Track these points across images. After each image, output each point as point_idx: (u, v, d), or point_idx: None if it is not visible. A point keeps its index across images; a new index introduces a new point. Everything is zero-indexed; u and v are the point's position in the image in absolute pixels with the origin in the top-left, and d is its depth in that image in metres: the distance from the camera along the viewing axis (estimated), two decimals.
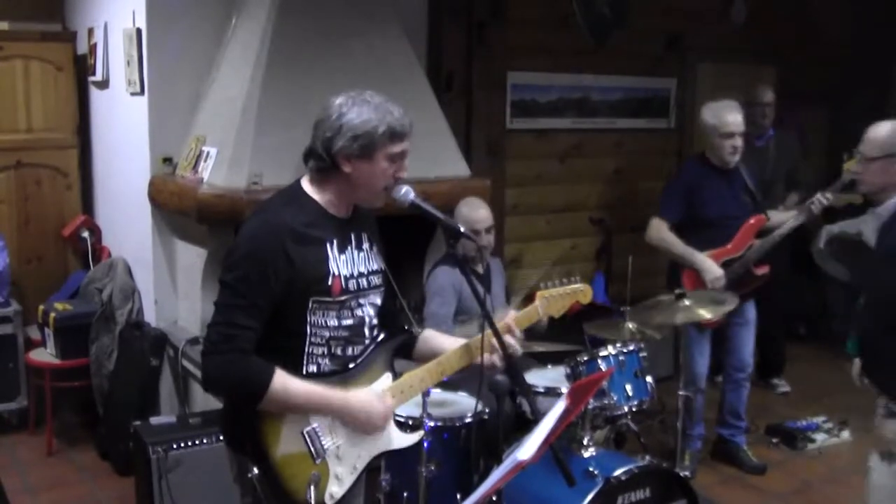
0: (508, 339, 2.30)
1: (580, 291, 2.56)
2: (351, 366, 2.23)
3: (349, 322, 2.21)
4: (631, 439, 3.55)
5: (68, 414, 4.80)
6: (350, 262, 2.21)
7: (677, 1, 5.91)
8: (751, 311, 4.27)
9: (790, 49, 6.39)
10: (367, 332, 2.27)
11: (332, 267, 2.16)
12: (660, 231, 4.17)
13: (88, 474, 4.27)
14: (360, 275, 2.23)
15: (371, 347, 2.27)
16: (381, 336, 2.31)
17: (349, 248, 2.23)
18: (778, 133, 5.28)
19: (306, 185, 2.23)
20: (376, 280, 2.29)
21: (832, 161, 6.50)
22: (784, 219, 4.16)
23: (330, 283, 2.14)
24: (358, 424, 2.19)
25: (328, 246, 2.17)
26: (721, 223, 4.10)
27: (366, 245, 2.29)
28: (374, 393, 2.23)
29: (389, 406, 2.24)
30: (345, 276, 2.18)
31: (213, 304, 2.14)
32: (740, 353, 4.29)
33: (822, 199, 4.03)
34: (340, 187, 2.19)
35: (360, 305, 2.24)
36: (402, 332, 2.41)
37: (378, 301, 2.31)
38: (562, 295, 2.52)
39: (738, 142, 4.03)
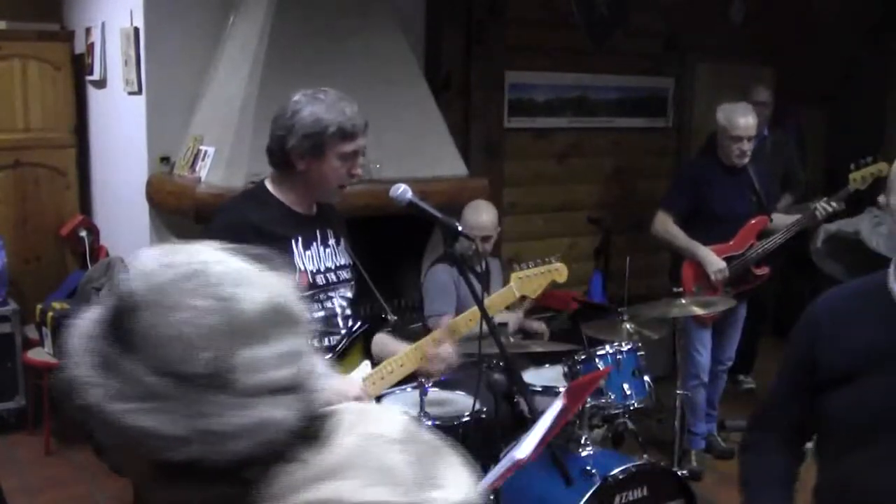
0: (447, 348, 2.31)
1: (555, 270, 2.56)
2: (328, 357, 2.25)
3: (320, 314, 2.24)
4: (629, 438, 3.56)
5: (67, 413, 4.79)
6: (316, 258, 2.24)
7: (676, 1, 5.91)
8: (742, 310, 4.32)
9: (789, 49, 6.38)
10: (340, 322, 2.30)
11: (298, 263, 2.19)
12: (665, 224, 4.22)
13: (87, 473, 4.27)
14: (328, 269, 2.26)
15: (347, 337, 2.30)
16: (357, 325, 2.33)
17: (314, 244, 2.26)
18: (773, 133, 5.29)
19: (269, 185, 2.26)
20: (345, 274, 2.32)
21: (831, 161, 6.51)
22: (787, 222, 4.19)
23: (297, 278, 2.17)
24: None
25: (293, 243, 2.20)
26: (727, 221, 4.14)
27: (332, 241, 2.31)
28: (351, 381, 2.24)
29: (366, 394, 2.25)
30: (311, 272, 2.21)
31: None
32: (727, 349, 4.37)
33: (826, 206, 4.03)
34: (298, 185, 2.22)
35: (329, 298, 2.27)
36: (378, 321, 2.43)
37: (349, 294, 2.34)
38: (536, 274, 2.53)
39: (746, 146, 4.06)
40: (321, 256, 2.26)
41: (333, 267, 2.28)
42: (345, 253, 2.35)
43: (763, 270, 4.19)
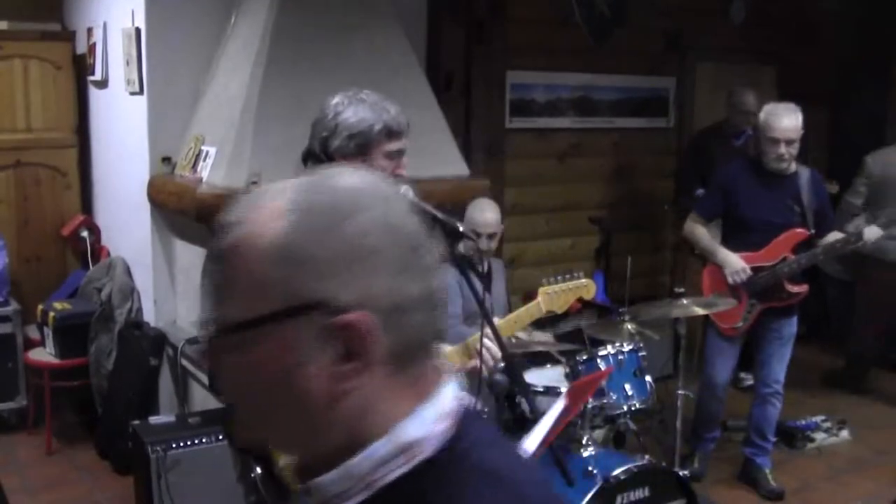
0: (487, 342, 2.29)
1: (583, 287, 2.56)
2: None
3: None
4: (630, 439, 3.56)
5: (67, 413, 4.80)
6: None
7: (677, 0, 5.91)
8: (789, 328, 4.02)
9: (790, 49, 6.38)
10: None
11: None
12: (692, 226, 4.12)
13: (87, 474, 4.27)
14: None
15: None
16: None
17: None
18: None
19: None
20: None
21: (832, 161, 6.50)
22: (832, 239, 3.88)
23: None
24: None
25: None
26: (762, 228, 3.88)
27: None
28: None
29: None
30: None
31: None
32: (768, 368, 4.05)
33: (873, 232, 3.77)
34: None
35: None
36: None
37: None
38: (564, 290, 2.53)
39: (783, 149, 3.75)
40: None
41: None
42: None
43: (799, 288, 3.91)
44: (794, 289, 3.92)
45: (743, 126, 5.15)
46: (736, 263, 3.89)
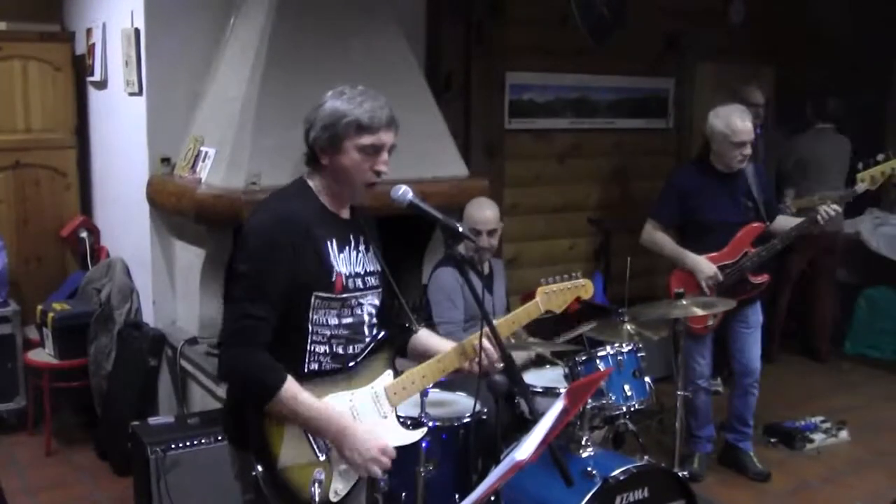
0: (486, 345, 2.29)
1: (581, 287, 2.56)
2: (351, 364, 2.23)
3: (349, 320, 2.22)
4: (629, 439, 3.56)
5: (67, 414, 4.79)
6: (349, 262, 2.22)
7: (676, 1, 5.91)
8: (755, 316, 4.16)
9: (789, 49, 6.39)
10: (367, 331, 2.28)
11: (334, 264, 2.17)
12: (651, 233, 4.16)
13: (87, 474, 4.27)
14: (358, 275, 2.24)
15: (372, 346, 2.28)
16: (382, 335, 2.32)
17: (348, 248, 2.24)
18: (765, 132, 5.29)
19: (309, 181, 2.25)
20: (374, 281, 2.30)
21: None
22: (788, 226, 4.02)
23: (333, 279, 2.16)
24: (350, 459, 2.16)
25: (329, 243, 2.18)
26: (721, 228, 4.00)
27: (363, 247, 2.30)
28: (376, 436, 2.20)
29: (388, 453, 2.21)
30: (345, 275, 2.20)
31: (228, 297, 2.15)
32: (744, 358, 4.17)
33: (828, 210, 3.85)
34: (328, 182, 2.22)
35: (359, 304, 2.25)
36: (402, 330, 2.42)
37: (377, 302, 2.32)
38: (563, 290, 2.52)
39: (749, 150, 3.92)
40: (353, 261, 2.24)
41: (363, 273, 2.26)
42: (374, 260, 2.34)
43: (761, 278, 4.03)
44: (758, 280, 4.05)
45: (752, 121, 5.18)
46: (708, 268, 3.98)
